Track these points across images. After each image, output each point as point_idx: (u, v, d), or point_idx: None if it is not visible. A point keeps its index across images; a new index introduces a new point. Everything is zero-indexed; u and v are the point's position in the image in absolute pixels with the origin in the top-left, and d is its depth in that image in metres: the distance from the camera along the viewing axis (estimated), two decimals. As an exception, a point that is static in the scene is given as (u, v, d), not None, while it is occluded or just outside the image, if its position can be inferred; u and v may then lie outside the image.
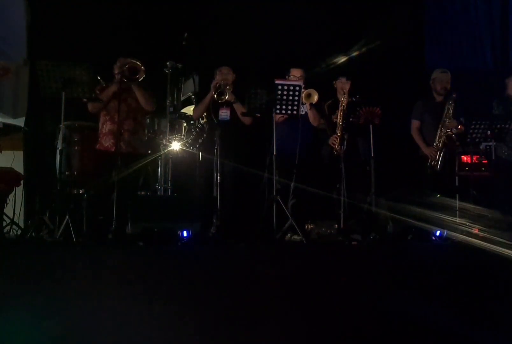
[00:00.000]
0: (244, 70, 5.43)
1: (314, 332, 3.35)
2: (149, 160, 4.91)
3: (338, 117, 5.09)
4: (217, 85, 4.93)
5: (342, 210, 4.87)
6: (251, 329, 3.30)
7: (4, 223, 4.67)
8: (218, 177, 4.74)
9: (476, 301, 3.54)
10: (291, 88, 4.67)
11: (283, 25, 6.09)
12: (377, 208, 4.82)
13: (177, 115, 5.40)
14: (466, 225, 4.63)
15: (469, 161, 5.50)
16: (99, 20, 5.68)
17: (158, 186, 5.12)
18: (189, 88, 5.80)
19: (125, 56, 4.74)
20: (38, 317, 3.11)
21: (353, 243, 4.56)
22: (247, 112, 4.88)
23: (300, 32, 6.09)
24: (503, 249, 3.74)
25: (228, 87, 4.96)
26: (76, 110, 4.73)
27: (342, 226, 4.79)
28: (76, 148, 4.80)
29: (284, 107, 4.72)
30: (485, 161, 5.66)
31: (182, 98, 5.76)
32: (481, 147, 5.67)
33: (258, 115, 4.95)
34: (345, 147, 5.04)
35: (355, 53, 6.19)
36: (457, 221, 4.67)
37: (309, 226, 4.81)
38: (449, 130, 5.26)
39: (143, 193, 5.03)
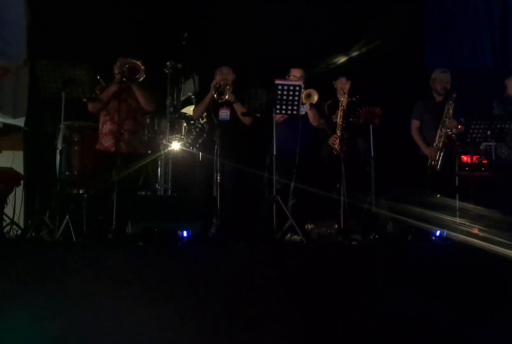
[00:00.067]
0: (244, 70, 5.43)
1: (314, 332, 3.35)
2: (149, 160, 4.92)
3: (338, 117, 5.09)
4: (217, 85, 4.93)
5: (342, 210, 4.87)
6: (251, 329, 3.30)
7: (4, 223, 4.67)
8: (218, 177, 4.74)
9: (476, 301, 3.54)
10: (291, 88, 4.67)
11: (283, 25, 6.09)
12: (377, 208, 4.82)
13: (177, 115, 5.40)
14: (466, 225, 4.63)
15: (469, 161, 5.51)
16: (99, 20, 5.68)
17: (158, 186, 5.12)
18: (189, 88, 5.80)
19: (125, 56, 4.74)
20: (38, 317, 3.11)
21: (353, 243, 4.56)
22: (247, 112, 4.88)
23: (300, 32, 6.09)
24: (503, 249, 3.74)
25: (228, 87, 4.96)
26: (76, 110, 4.73)
27: (342, 226, 4.79)
28: (76, 148, 4.80)
29: (284, 107, 4.72)
30: (485, 161, 5.66)
31: (182, 98, 5.76)
32: (481, 147, 5.68)
33: (258, 115, 4.95)
34: (345, 147, 5.04)
35: (355, 53, 6.19)
36: (457, 221, 4.67)
37: (309, 226, 4.81)
38: (449, 130, 5.26)
39: (143, 193, 5.03)
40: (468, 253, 3.93)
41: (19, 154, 5.47)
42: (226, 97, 4.93)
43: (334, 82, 5.34)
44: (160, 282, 3.34)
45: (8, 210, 4.78)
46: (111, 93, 4.73)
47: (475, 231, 4.56)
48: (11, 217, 4.79)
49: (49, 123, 5.52)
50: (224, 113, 4.98)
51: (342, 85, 5.23)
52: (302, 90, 4.78)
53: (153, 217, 4.14)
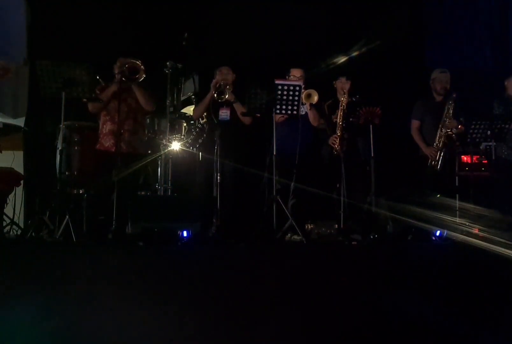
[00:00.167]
0: (244, 70, 5.42)
1: (314, 332, 3.35)
2: (149, 160, 4.91)
3: (338, 117, 5.09)
4: (217, 85, 4.93)
5: (342, 210, 4.87)
6: (251, 329, 3.30)
7: (4, 223, 4.67)
8: (218, 177, 4.74)
9: (476, 301, 3.55)
10: (291, 88, 4.66)
11: (283, 25, 6.08)
12: (377, 208, 4.82)
13: (177, 115, 5.40)
14: (466, 225, 4.62)
15: (469, 161, 5.50)
16: (99, 20, 5.67)
17: (158, 186, 5.11)
18: (189, 88, 5.80)
19: (125, 56, 4.74)
20: (38, 317, 3.11)
21: (353, 243, 4.56)
22: (247, 112, 4.88)
23: (300, 32, 6.09)
24: (503, 249, 3.74)
25: (228, 87, 4.96)
26: (76, 110, 4.73)
27: (342, 226, 4.79)
28: (76, 148, 4.80)
29: (284, 107, 4.72)
30: (485, 161, 5.65)
31: (182, 98, 5.76)
32: (481, 147, 5.67)
33: (258, 115, 4.96)
34: (345, 147, 5.04)
35: (355, 53, 6.18)
36: (457, 221, 4.67)
37: (309, 226, 4.80)
38: (449, 130, 5.26)
39: (143, 193, 5.03)
40: (468, 253, 3.93)
41: (19, 154, 5.47)
42: (226, 97, 4.93)
43: (334, 82, 5.34)
44: (160, 282, 3.34)
45: (8, 210, 4.78)
46: (111, 93, 4.73)
47: (475, 231, 4.56)
48: (11, 217, 4.79)
49: (49, 123, 5.52)
50: (224, 113, 4.98)
51: (342, 85, 5.23)
52: (302, 90, 4.78)
53: (153, 217, 4.14)
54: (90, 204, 4.66)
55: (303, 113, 5.17)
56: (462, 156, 5.56)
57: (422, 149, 5.40)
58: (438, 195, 4.91)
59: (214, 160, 4.85)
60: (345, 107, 5.07)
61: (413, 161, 5.54)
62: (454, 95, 5.24)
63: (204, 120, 5.32)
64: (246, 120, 5.06)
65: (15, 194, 4.89)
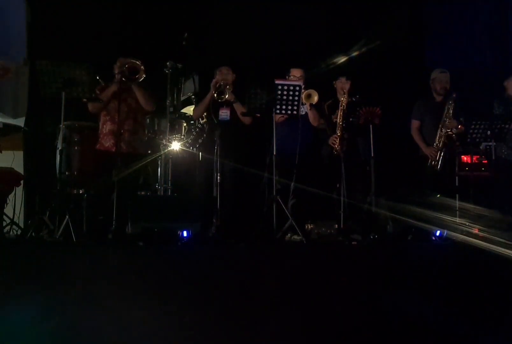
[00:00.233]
0: (244, 70, 5.42)
1: (314, 332, 3.35)
2: (149, 160, 4.91)
3: (338, 117, 5.09)
4: (217, 85, 4.93)
5: (342, 210, 4.87)
6: (251, 329, 3.30)
7: (4, 223, 4.67)
8: (218, 177, 4.74)
9: (476, 301, 3.54)
10: (291, 88, 4.66)
11: (283, 25, 6.08)
12: (377, 208, 4.82)
13: (177, 115, 5.40)
14: (466, 225, 4.62)
15: (469, 161, 5.50)
16: (99, 20, 5.67)
17: (158, 186, 5.11)
18: (189, 88, 5.80)
19: (125, 56, 4.74)
20: (38, 317, 3.11)
21: (353, 243, 4.56)
22: (247, 112, 4.88)
23: (300, 32, 6.08)
24: (503, 249, 3.74)
25: (228, 87, 4.96)
26: (76, 110, 4.73)
27: (342, 226, 4.79)
28: (76, 148, 4.80)
29: (284, 107, 4.72)
30: (485, 161, 5.66)
31: (182, 98, 5.76)
32: (481, 147, 5.67)
33: (258, 115, 4.96)
34: (345, 147, 5.04)
35: (355, 53, 6.18)
36: (457, 221, 4.67)
37: (309, 226, 4.81)
38: (449, 130, 5.26)
39: (143, 193, 5.03)
40: (468, 253, 3.93)
41: (19, 154, 5.46)
42: (226, 97, 4.93)
43: (334, 82, 5.34)
44: (160, 282, 3.35)
45: (8, 210, 4.78)
46: (111, 93, 4.73)
47: (475, 231, 4.56)
48: (11, 217, 4.79)
49: (49, 123, 5.51)
50: (224, 113, 4.98)
51: (342, 85, 5.22)
52: (302, 90, 4.78)
53: (153, 217, 4.14)
54: (90, 204, 4.66)
55: (303, 113, 5.17)
56: (462, 156, 5.56)
57: (422, 149, 5.40)
58: (438, 195, 4.92)
59: (214, 160, 4.85)
60: (345, 107, 5.07)
61: (413, 161, 5.54)
62: (454, 95, 5.24)
63: (204, 120, 5.32)
64: (246, 120, 5.06)
65: (15, 194, 4.89)
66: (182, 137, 5.27)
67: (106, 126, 4.81)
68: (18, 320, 3.07)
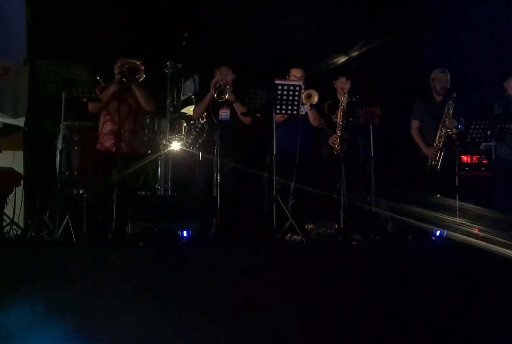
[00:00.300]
0: (244, 70, 5.43)
1: (314, 332, 3.35)
2: (149, 160, 4.92)
3: (338, 117, 5.09)
4: (217, 85, 4.93)
5: (342, 210, 4.87)
6: (251, 329, 3.29)
7: (4, 223, 4.68)
8: (218, 177, 4.74)
9: (476, 301, 3.54)
10: (291, 88, 4.67)
11: (283, 25, 6.08)
12: (377, 208, 4.82)
13: (177, 115, 5.39)
14: (466, 225, 4.63)
15: (469, 161, 5.50)
16: (99, 20, 5.67)
17: (158, 186, 5.11)
18: (189, 88, 5.80)
19: (125, 56, 4.75)
20: (38, 317, 3.11)
21: (353, 243, 4.57)
22: (247, 112, 4.88)
23: (300, 32, 6.08)
24: (503, 249, 3.74)
25: (228, 87, 4.97)
26: (76, 110, 4.73)
27: (342, 226, 4.80)
28: (76, 148, 4.81)
29: (284, 107, 4.72)
30: (485, 161, 5.66)
31: (182, 98, 5.75)
32: (481, 147, 5.67)
33: (258, 115, 4.96)
34: (345, 147, 5.04)
35: (355, 53, 6.18)
36: (457, 221, 4.67)
37: (309, 226, 4.81)
38: (449, 130, 5.26)
39: (143, 193, 5.02)
40: (468, 253, 3.93)
41: (19, 154, 5.47)
42: (226, 96, 4.93)
43: (334, 82, 5.34)
44: (160, 282, 3.34)
45: (8, 210, 4.78)
46: (111, 93, 4.73)
47: (475, 231, 4.56)
48: (11, 217, 4.79)
49: (49, 123, 5.51)
50: (224, 113, 4.98)
51: (342, 85, 5.23)
52: (302, 90, 4.78)
53: (153, 217, 4.14)
54: (90, 204, 4.66)
55: (303, 113, 5.17)
56: (462, 156, 5.56)
57: (422, 149, 5.40)
58: (438, 195, 4.92)
59: (214, 160, 4.86)
60: (345, 107, 5.08)
61: (413, 161, 5.54)
62: (454, 95, 5.25)
63: (204, 120, 5.32)
64: (246, 120, 5.06)
65: (15, 194, 4.89)
66: (182, 137, 5.27)
67: (106, 126, 4.82)
68: (18, 320, 3.07)
